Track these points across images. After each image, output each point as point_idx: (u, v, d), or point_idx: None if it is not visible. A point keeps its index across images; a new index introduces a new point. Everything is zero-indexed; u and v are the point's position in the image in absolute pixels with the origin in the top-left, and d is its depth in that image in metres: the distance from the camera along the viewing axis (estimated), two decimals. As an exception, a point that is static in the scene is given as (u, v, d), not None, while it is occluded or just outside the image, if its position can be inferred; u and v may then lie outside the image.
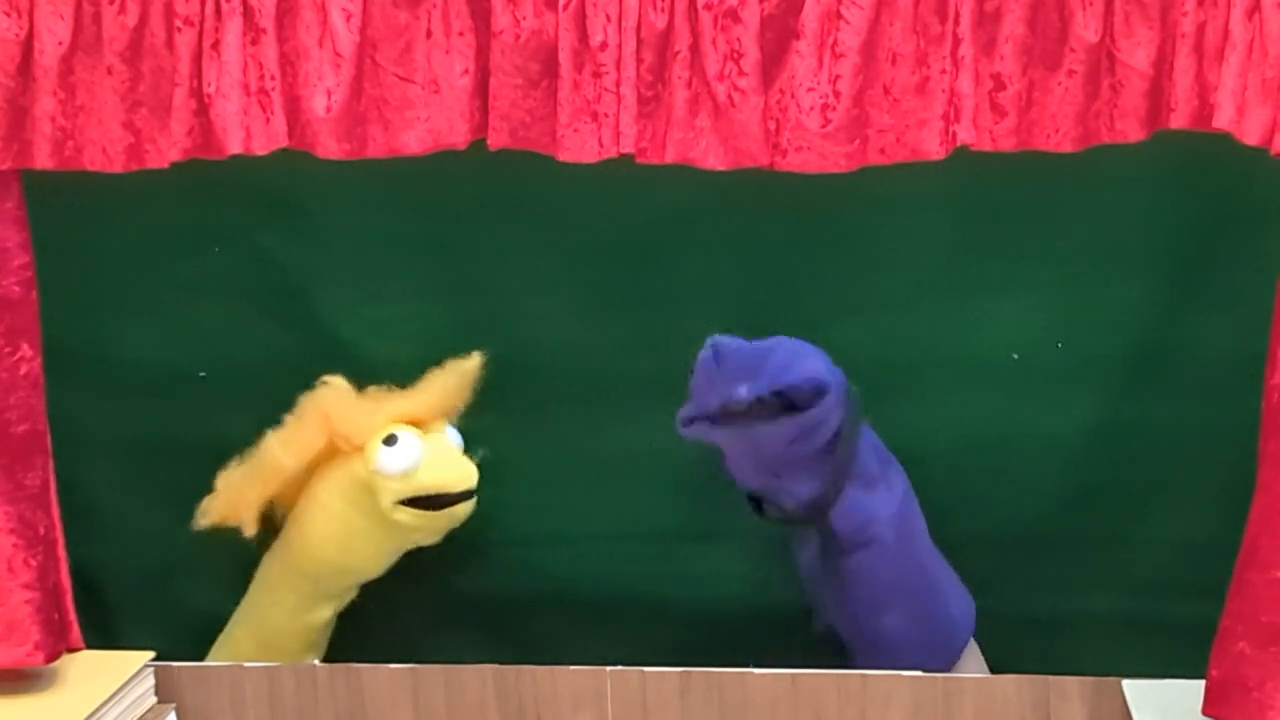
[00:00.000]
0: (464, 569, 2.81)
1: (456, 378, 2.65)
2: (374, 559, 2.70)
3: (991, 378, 2.71)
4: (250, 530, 2.63)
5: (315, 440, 2.62)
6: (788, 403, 2.46)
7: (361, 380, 2.66)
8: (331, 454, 2.64)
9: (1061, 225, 2.65)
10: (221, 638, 2.75)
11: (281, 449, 2.62)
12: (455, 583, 2.83)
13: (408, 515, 2.61)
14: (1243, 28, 1.98)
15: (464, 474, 2.64)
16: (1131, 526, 2.74)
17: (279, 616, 2.71)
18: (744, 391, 2.45)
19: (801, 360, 2.48)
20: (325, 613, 2.73)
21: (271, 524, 2.69)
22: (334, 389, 2.63)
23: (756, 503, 2.60)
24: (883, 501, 2.57)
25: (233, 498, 2.63)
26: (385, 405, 2.63)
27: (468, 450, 2.68)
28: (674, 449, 2.60)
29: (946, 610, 2.61)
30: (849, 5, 2.01)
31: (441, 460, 2.63)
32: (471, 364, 2.65)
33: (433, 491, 2.61)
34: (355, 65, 2.07)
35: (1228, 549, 2.14)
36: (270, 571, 2.72)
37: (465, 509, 2.65)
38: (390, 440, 2.59)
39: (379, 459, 2.59)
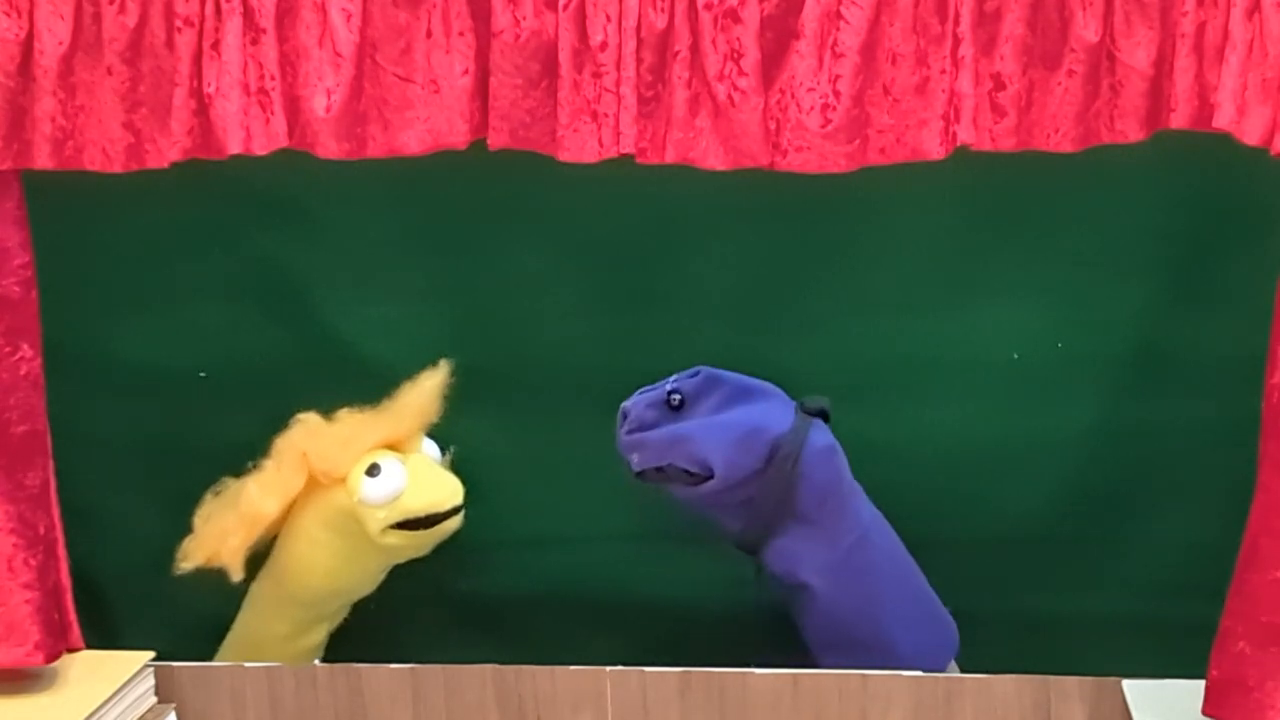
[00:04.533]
0: (463, 570, 2.81)
1: (426, 393, 2.62)
2: (364, 579, 2.69)
3: (992, 378, 2.71)
4: (237, 575, 2.59)
5: (295, 481, 2.59)
6: (690, 472, 2.50)
7: (362, 380, 2.65)
8: (310, 484, 2.61)
9: (1061, 225, 2.65)
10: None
11: (263, 495, 2.59)
12: (455, 584, 2.83)
13: (398, 538, 2.60)
14: (1243, 28, 1.98)
15: (450, 492, 2.62)
16: (1131, 526, 2.74)
17: (273, 644, 2.69)
18: (635, 461, 2.52)
19: (694, 441, 2.49)
20: (319, 635, 2.72)
21: (253, 551, 2.65)
22: (307, 426, 2.60)
23: None
24: (816, 550, 2.55)
25: (215, 542, 2.59)
26: (360, 433, 2.60)
27: (443, 449, 2.68)
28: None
29: (913, 655, 2.59)
30: (849, 5, 2.01)
31: (426, 481, 2.61)
32: (439, 375, 2.62)
33: (421, 514, 2.60)
34: (355, 65, 2.07)
35: (1228, 549, 2.14)
36: (260, 601, 2.71)
37: (454, 523, 2.63)
38: (373, 470, 2.57)
39: (364, 490, 2.57)
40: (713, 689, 2.39)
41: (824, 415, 2.54)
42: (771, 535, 2.53)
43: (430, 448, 2.66)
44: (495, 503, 2.73)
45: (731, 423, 2.51)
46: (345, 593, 2.71)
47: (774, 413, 2.52)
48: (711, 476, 2.49)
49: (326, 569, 2.65)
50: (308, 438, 2.60)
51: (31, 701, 2.26)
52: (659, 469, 2.52)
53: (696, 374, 2.54)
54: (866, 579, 2.58)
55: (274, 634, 2.70)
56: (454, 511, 2.62)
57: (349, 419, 2.61)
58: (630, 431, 2.53)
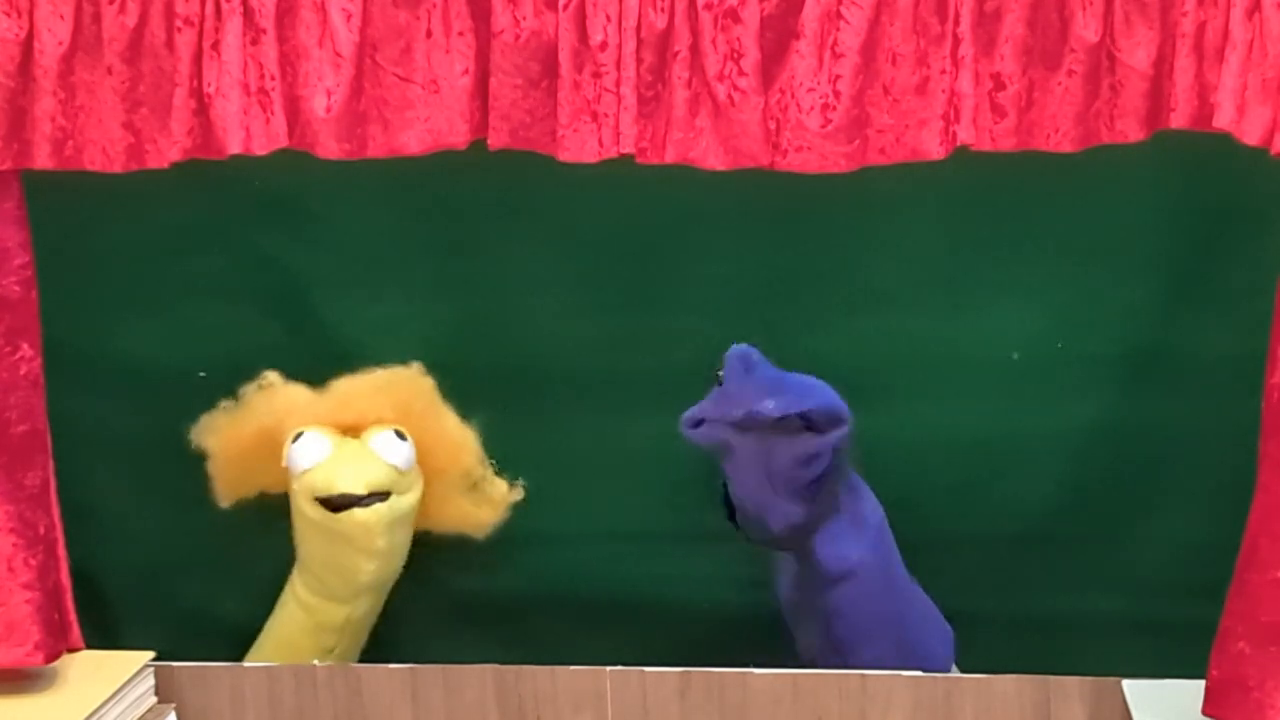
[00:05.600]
0: (465, 569, 2.81)
1: (378, 388, 2.61)
2: (349, 561, 2.64)
3: (991, 378, 2.71)
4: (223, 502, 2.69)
5: (239, 429, 2.64)
6: (805, 425, 2.47)
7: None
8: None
9: (1061, 225, 2.66)
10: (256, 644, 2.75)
11: (207, 433, 2.66)
12: (455, 583, 2.83)
13: (316, 511, 2.58)
14: (1243, 28, 1.98)
15: (355, 476, 2.55)
16: (1131, 526, 2.74)
17: (296, 613, 2.70)
18: (771, 406, 2.46)
19: (822, 390, 2.49)
20: (336, 615, 2.69)
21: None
22: (266, 386, 2.64)
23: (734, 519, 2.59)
24: (856, 532, 2.56)
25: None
26: (311, 405, 2.62)
27: (492, 458, 2.66)
28: (675, 449, 2.60)
29: (926, 644, 2.59)
30: (849, 5, 2.01)
31: (340, 462, 2.57)
32: (408, 374, 2.62)
33: (322, 493, 2.56)
34: (355, 65, 2.07)
35: (1228, 549, 2.14)
36: (292, 573, 2.73)
37: (366, 515, 2.56)
38: (297, 437, 2.59)
39: (287, 454, 2.59)
40: (713, 689, 2.39)
41: None
42: (826, 517, 2.52)
43: (388, 443, 2.59)
44: (495, 502, 2.73)
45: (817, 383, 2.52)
46: (340, 568, 2.65)
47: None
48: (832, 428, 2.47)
49: (313, 542, 2.64)
50: (264, 397, 2.64)
51: (31, 701, 2.26)
52: (785, 417, 2.46)
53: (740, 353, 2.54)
54: (893, 559, 2.58)
55: (298, 601, 2.69)
56: (356, 500, 2.55)
57: (335, 385, 2.63)
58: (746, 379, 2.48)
